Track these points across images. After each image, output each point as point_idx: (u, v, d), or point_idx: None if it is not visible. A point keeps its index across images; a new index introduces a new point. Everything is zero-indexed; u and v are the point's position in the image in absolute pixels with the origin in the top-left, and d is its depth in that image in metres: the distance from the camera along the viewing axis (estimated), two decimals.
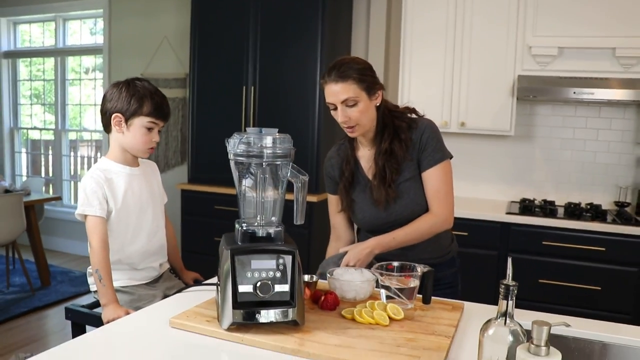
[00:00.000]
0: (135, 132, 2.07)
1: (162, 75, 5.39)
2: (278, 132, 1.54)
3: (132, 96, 2.04)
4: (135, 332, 1.55)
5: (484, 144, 4.26)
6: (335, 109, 1.97)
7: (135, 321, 1.66)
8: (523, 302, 3.56)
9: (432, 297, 1.74)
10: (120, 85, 2.07)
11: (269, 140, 1.51)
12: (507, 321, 1.12)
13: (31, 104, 6.69)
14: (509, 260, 1.15)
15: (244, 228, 1.53)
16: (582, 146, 4.05)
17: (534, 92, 3.65)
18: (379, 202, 2.04)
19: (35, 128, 6.69)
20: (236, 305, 1.45)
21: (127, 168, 2.14)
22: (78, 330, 1.95)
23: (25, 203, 4.89)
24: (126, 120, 2.06)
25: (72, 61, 6.37)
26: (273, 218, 1.59)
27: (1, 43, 6.53)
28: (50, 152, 6.59)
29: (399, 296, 1.68)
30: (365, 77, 1.95)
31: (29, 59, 6.60)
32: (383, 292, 1.71)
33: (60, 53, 6.31)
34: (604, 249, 3.42)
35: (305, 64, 4.23)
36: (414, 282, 1.69)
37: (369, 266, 1.88)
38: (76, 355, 1.38)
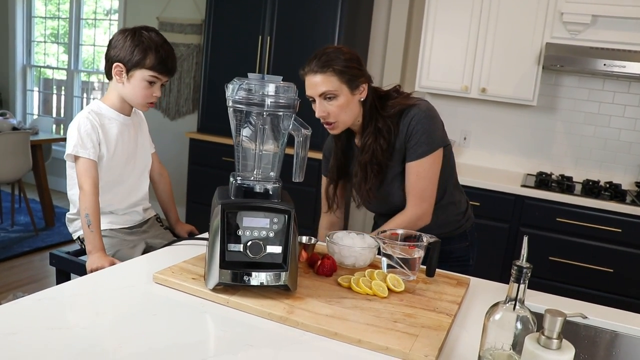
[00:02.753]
0: (135, 85, 1.97)
1: (178, 20, 5.24)
2: (282, 80, 1.40)
3: (136, 46, 1.92)
4: (118, 285, 1.45)
5: (504, 112, 4.10)
6: (314, 102, 1.83)
7: (119, 273, 1.56)
8: (531, 279, 3.49)
9: (438, 270, 1.63)
10: (126, 33, 1.96)
11: (272, 88, 1.37)
12: (517, 306, 1.00)
13: (45, 42, 6.55)
14: (525, 239, 1.03)
15: (239, 182, 1.41)
16: (607, 122, 3.87)
17: (561, 61, 3.46)
18: (362, 199, 1.99)
19: (48, 67, 6.58)
20: (224, 264, 1.34)
21: (120, 116, 2.05)
22: (62, 277, 1.87)
23: (33, 142, 4.83)
24: (127, 71, 1.95)
25: (89, 3, 6.20)
26: (271, 173, 1.47)
27: None
28: (62, 92, 6.48)
29: (401, 266, 1.56)
30: (348, 70, 1.79)
31: None
32: (384, 260, 1.60)
33: None
34: (620, 230, 3.29)
35: (325, 17, 4.06)
36: (418, 253, 1.58)
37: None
38: (54, 304, 1.29)
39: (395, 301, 1.42)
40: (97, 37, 6.22)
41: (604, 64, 3.29)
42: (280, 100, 1.38)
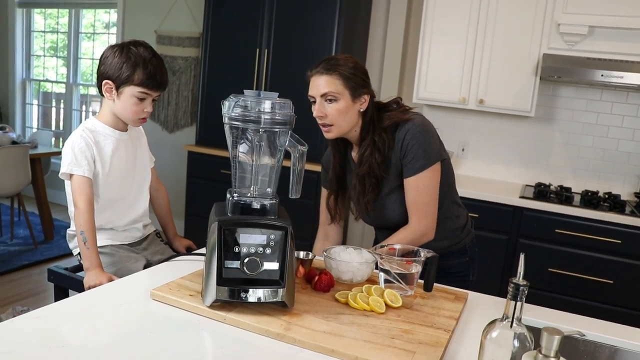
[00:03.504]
0: (125, 101, 1.96)
1: (176, 33, 5.26)
2: (279, 96, 1.41)
3: (124, 63, 1.91)
4: (115, 302, 1.45)
5: (502, 123, 4.10)
6: (315, 102, 1.84)
7: (117, 289, 1.56)
8: (530, 291, 3.48)
9: (436, 285, 1.63)
10: (114, 49, 1.94)
11: (268, 105, 1.38)
12: (514, 324, 1.00)
13: (44, 56, 6.57)
14: (522, 257, 1.03)
15: (235, 199, 1.41)
16: (605, 132, 3.87)
17: (559, 72, 3.47)
18: (359, 213, 2.00)
19: (47, 80, 6.60)
20: (221, 281, 1.34)
21: (116, 132, 2.04)
22: (60, 293, 1.86)
23: (32, 156, 4.83)
24: (117, 88, 1.94)
25: (87, 17, 6.22)
26: (268, 189, 1.47)
27: None
28: (62, 105, 6.50)
29: (398, 281, 1.56)
30: (353, 77, 1.82)
31: (43, 10, 6.46)
32: (382, 275, 1.59)
33: (74, 5, 6.17)
34: (619, 241, 3.28)
35: (322, 29, 4.08)
36: (416, 268, 1.57)
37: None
38: (51, 322, 1.29)
39: (392, 317, 1.42)
40: (96, 50, 6.24)
41: (602, 75, 3.30)
42: (277, 117, 1.38)
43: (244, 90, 1.40)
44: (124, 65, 1.90)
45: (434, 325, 1.39)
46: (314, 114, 1.85)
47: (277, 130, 1.40)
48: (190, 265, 1.72)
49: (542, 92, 3.89)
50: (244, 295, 1.34)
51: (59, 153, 5.33)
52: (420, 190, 1.87)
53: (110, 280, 1.72)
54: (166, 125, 5.45)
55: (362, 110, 1.87)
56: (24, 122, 6.70)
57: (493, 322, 1.04)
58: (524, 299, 1.00)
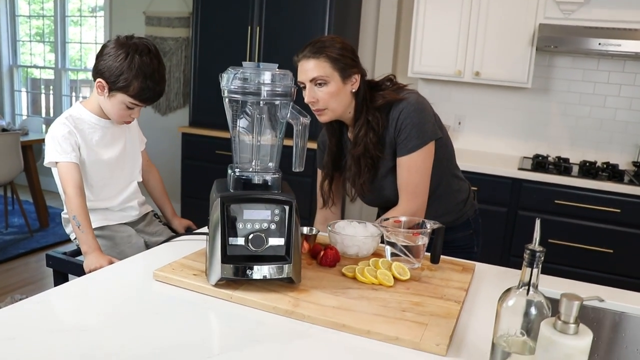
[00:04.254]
0: (114, 105, 1.90)
1: (165, 13, 5.17)
2: (279, 67, 1.37)
3: (123, 71, 1.81)
4: (117, 284, 1.42)
5: (498, 95, 4.07)
6: (305, 88, 1.80)
7: (118, 271, 1.52)
8: None
9: (442, 257, 1.60)
10: (119, 51, 1.82)
11: (268, 77, 1.33)
12: (530, 291, 0.97)
13: (30, 41, 6.46)
14: (537, 222, 1.00)
15: (237, 174, 1.37)
16: (602, 102, 3.84)
17: (555, 42, 3.42)
18: (352, 198, 1.99)
19: (34, 66, 6.49)
20: (225, 259, 1.31)
21: (101, 121, 1.99)
22: (60, 278, 1.83)
23: (23, 143, 4.76)
24: (109, 90, 1.87)
25: (73, 1, 6.10)
26: (270, 164, 1.43)
27: None
28: (51, 91, 6.41)
29: (405, 254, 1.54)
30: (342, 58, 1.77)
31: None
32: (388, 248, 1.57)
33: None
34: (619, 210, 3.27)
35: (314, 4, 4.01)
36: (423, 240, 1.55)
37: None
38: (53, 306, 1.26)
39: (401, 290, 1.39)
40: (84, 35, 6.13)
41: (599, 43, 3.26)
42: (277, 89, 1.34)
43: (243, 63, 1.35)
44: (124, 73, 1.81)
45: (444, 296, 1.37)
46: (305, 100, 1.80)
47: (277, 102, 1.36)
48: (191, 245, 1.69)
49: (538, 63, 3.84)
50: (250, 273, 1.31)
51: None
52: (411, 170, 1.83)
53: (111, 262, 1.69)
54: (158, 108, 5.38)
55: (354, 90, 1.82)
56: (13, 109, 6.60)
57: (508, 290, 1.01)
58: (540, 266, 0.97)
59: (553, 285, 1.54)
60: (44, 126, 5.71)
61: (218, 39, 4.40)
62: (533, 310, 0.96)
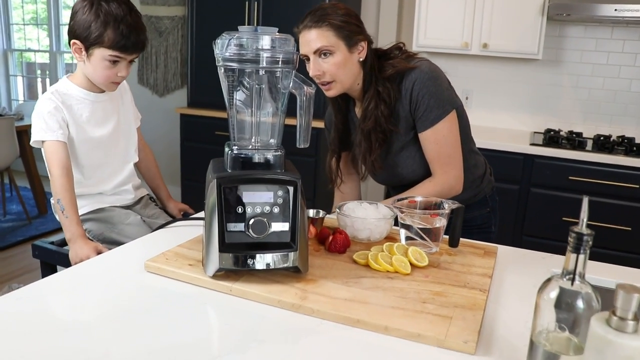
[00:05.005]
0: (96, 65, 1.74)
1: None
2: (279, 32, 1.22)
3: (92, 21, 1.67)
4: (105, 277, 1.28)
5: (507, 68, 3.91)
6: (309, 60, 1.66)
7: (107, 262, 1.39)
8: (543, 241, 3.38)
9: (461, 240, 1.46)
10: (85, 3, 1.70)
11: (267, 41, 1.19)
12: (576, 281, 0.83)
13: (24, 24, 6.29)
14: (585, 200, 0.86)
15: (235, 152, 1.23)
16: (616, 73, 3.68)
17: (567, 9, 3.26)
18: (361, 177, 1.88)
19: (29, 50, 6.33)
20: (224, 247, 1.17)
21: (91, 95, 1.83)
22: (48, 269, 1.70)
23: (18, 128, 4.63)
24: (86, 49, 1.72)
25: None
26: (272, 140, 1.29)
27: None
28: (47, 75, 6.25)
29: (422, 238, 1.40)
30: (346, 25, 1.62)
31: None
32: (403, 232, 1.43)
33: None
34: (637, 186, 3.14)
35: None
36: (441, 222, 1.41)
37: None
38: (34, 303, 1.12)
39: (420, 278, 1.26)
40: None
41: (615, 9, 3.09)
42: (278, 55, 1.19)
43: (239, 27, 1.21)
44: (93, 24, 1.67)
45: (467, 284, 1.23)
46: (310, 73, 1.66)
47: (278, 70, 1.21)
48: (188, 232, 1.55)
49: (548, 34, 3.67)
50: (251, 262, 1.18)
51: None
52: (440, 142, 1.70)
53: (98, 251, 1.55)
54: (156, 89, 5.23)
55: (361, 59, 1.68)
56: (9, 94, 6.47)
57: (549, 280, 0.88)
58: (589, 252, 0.84)
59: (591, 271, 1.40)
60: None
61: (214, 15, 4.23)
62: (580, 304, 0.83)
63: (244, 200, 1.18)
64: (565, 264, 0.84)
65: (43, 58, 6.25)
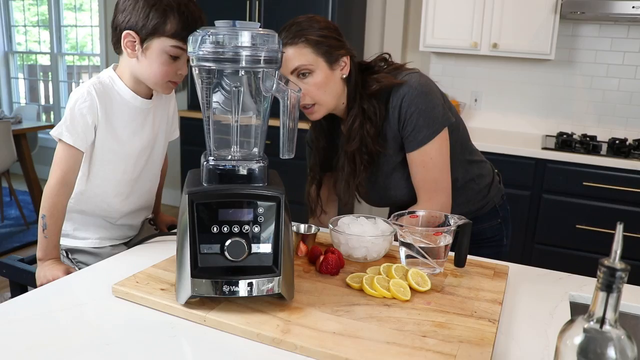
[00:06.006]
0: (153, 60, 1.49)
1: None
2: (261, 27, 1.08)
3: (152, 6, 1.45)
4: (69, 303, 1.14)
5: (518, 69, 3.75)
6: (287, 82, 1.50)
7: (74, 285, 1.25)
8: (556, 249, 3.23)
9: (469, 257, 1.32)
10: None
11: (247, 38, 1.05)
12: (607, 325, 0.69)
13: (25, 26, 6.19)
14: (619, 228, 0.71)
15: (212, 164, 1.09)
16: (633, 73, 3.52)
17: (582, 7, 3.09)
18: (344, 204, 1.69)
19: (30, 52, 6.23)
20: (196, 272, 1.03)
21: (138, 99, 1.59)
22: (17, 289, 1.55)
23: (16, 131, 4.52)
24: (142, 42, 1.48)
25: None
26: (254, 150, 1.15)
27: None
28: (49, 77, 6.15)
29: (424, 257, 1.25)
30: (325, 40, 1.46)
31: None
32: (403, 250, 1.28)
33: None
34: None
35: None
36: (446, 240, 1.26)
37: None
38: None
39: (420, 305, 1.11)
40: (81, 19, 5.85)
41: (633, 7, 2.93)
42: (259, 53, 1.05)
43: (215, 22, 1.07)
44: (153, 9, 1.44)
45: (475, 313, 1.08)
46: None
47: (260, 70, 1.07)
48: (167, 248, 1.41)
49: (561, 33, 3.51)
50: (228, 289, 1.03)
51: (46, 127, 5.01)
52: (427, 165, 1.54)
53: (68, 272, 1.41)
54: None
55: (344, 76, 1.54)
56: (10, 97, 6.37)
57: (572, 321, 0.73)
58: (622, 290, 0.69)
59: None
60: (43, 114, 5.46)
61: (215, 16, 4.07)
62: (611, 353, 0.68)
63: (220, 218, 1.04)
64: (592, 305, 0.70)
65: (45, 60, 6.16)
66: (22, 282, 1.53)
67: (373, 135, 1.54)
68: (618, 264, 0.68)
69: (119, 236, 1.72)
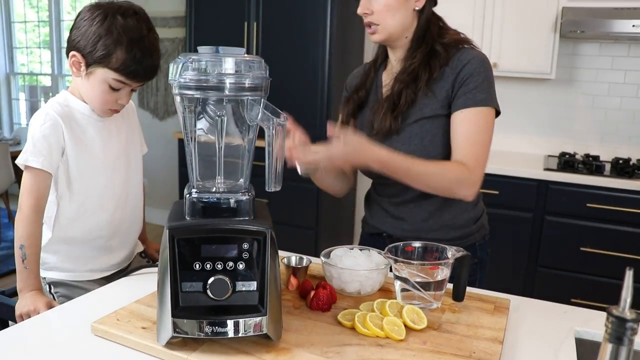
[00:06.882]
0: (94, 86, 1.45)
1: (160, 13, 4.89)
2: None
3: (102, 36, 1.40)
4: (47, 340, 1.09)
5: (518, 88, 3.70)
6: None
7: (53, 321, 1.19)
8: (560, 272, 3.15)
9: (468, 289, 1.25)
10: (95, 13, 1.42)
11: (231, 65, 1.00)
12: None
13: (27, 47, 6.20)
14: (628, 274, 0.65)
15: (194, 196, 1.03)
16: (635, 92, 3.46)
17: (582, 25, 3.06)
18: (377, 133, 1.49)
19: (31, 73, 6.23)
20: (177, 311, 0.97)
21: (93, 113, 1.54)
22: None
23: (14, 153, 4.49)
24: (87, 65, 1.44)
25: (68, 3, 5.83)
26: (240, 180, 1.09)
27: None
28: (50, 98, 6.14)
29: (420, 291, 1.19)
30: None
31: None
32: (398, 284, 1.22)
33: None
34: None
35: None
36: (443, 273, 1.20)
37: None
38: None
39: (416, 345, 1.05)
40: None
41: (633, 25, 2.89)
42: (244, 81, 1.00)
43: (198, 47, 1.02)
44: (102, 39, 1.40)
45: (474, 354, 1.02)
46: (358, 11, 1.48)
47: (245, 99, 1.01)
48: (151, 281, 1.35)
49: (561, 52, 3.48)
50: (211, 329, 0.97)
51: None
52: (481, 126, 1.42)
53: (50, 306, 1.35)
54: (156, 113, 5.11)
55: (417, 8, 1.47)
56: (11, 118, 6.36)
57: None
58: (634, 342, 0.63)
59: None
60: None
61: (214, 38, 4.09)
62: None
63: (203, 254, 0.98)
64: (599, 358, 0.64)
65: (46, 81, 6.15)
66: (1, 316, 1.47)
67: (427, 78, 1.46)
68: (628, 314, 0.62)
69: (108, 267, 1.64)
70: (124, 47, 1.40)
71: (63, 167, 1.50)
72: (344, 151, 1.30)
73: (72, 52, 1.45)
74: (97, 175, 1.55)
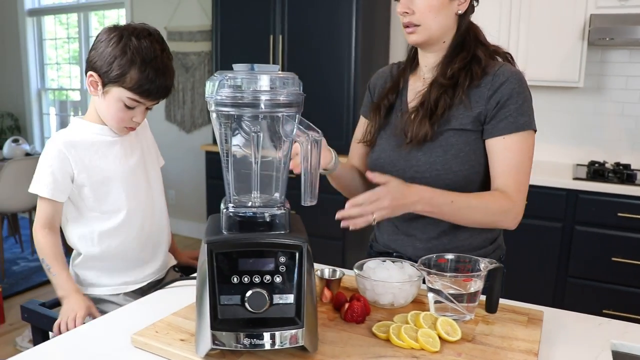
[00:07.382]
0: (110, 104, 1.54)
1: (187, 27, 4.98)
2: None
3: (117, 57, 1.47)
4: (89, 352, 1.12)
5: (546, 97, 3.68)
6: None
7: (92, 334, 1.22)
8: (591, 283, 3.11)
9: (501, 302, 1.25)
10: (112, 35, 1.50)
11: (266, 82, 1.02)
12: None
13: (57, 63, 6.34)
14: None
15: (231, 211, 1.06)
16: None
17: (611, 33, 3.04)
18: (411, 141, 1.43)
19: (61, 89, 6.37)
20: (216, 323, 0.99)
21: (105, 129, 1.60)
22: (39, 334, 1.53)
23: None
24: (103, 85, 1.52)
25: (96, 20, 5.97)
26: (275, 195, 1.12)
27: (25, 0, 6.20)
28: (79, 113, 6.27)
29: (453, 303, 1.19)
30: None
31: (53, 16, 6.22)
32: (431, 296, 1.23)
33: (82, 9, 5.94)
34: None
35: (338, 8, 3.70)
36: (476, 285, 1.20)
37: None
38: None
39: (451, 356, 1.05)
40: None
41: None
42: (279, 97, 1.02)
43: (233, 65, 1.05)
44: (117, 60, 1.47)
45: None
46: (398, 10, 1.43)
47: (280, 115, 1.04)
48: (191, 294, 1.37)
49: (589, 59, 3.46)
50: (249, 341, 0.99)
51: None
52: (523, 152, 1.37)
53: (90, 311, 1.41)
54: (183, 126, 5.18)
55: (460, 12, 1.45)
56: (42, 133, 6.51)
57: None
58: None
59: None
60: None
61: (240, 50, 4.15)
62: None
63: (240, 268, 1.00)
64: None
65: (76, 96, 6.30)
66: (42, 327, 1.51)
67: (468, 84, 1.41)
68: None
69: (140, 278, 1.70)
70: (137, 67, 1.48)
71: (77, 191, 1.58)
72: (393, 197, 1.25)
73: (89, 72, 1.54)
74: (118, 192, 1.62)
